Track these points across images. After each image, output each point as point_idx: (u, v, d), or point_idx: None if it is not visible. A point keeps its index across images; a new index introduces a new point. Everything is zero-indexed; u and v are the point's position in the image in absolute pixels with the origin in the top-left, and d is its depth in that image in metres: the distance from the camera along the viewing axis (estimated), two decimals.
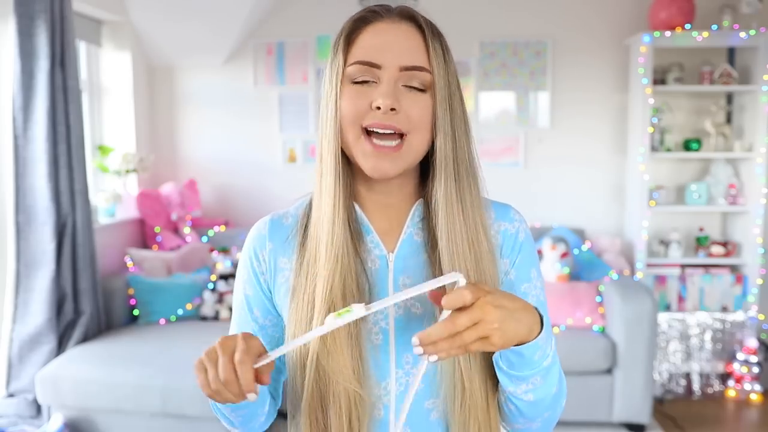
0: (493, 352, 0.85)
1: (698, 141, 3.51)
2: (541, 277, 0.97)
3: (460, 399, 0.89)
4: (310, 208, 0.94)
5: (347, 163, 0.90)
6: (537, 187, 3.77)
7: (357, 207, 0.93)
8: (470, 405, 0.88)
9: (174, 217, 3.57)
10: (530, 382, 0.84)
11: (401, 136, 0.86)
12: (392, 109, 0.84)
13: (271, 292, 0.95)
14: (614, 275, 3.18)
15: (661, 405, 3.29)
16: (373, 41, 0.86)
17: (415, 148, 0.87)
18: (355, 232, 0.91)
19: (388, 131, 0.85)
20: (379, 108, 0.84)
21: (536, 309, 0.81)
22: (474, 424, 0.89)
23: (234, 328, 0.98)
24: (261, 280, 0.96)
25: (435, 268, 0.90)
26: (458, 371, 0.88)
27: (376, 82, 0.85)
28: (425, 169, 0.93)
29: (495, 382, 0.90)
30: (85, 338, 2.86)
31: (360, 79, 0.86)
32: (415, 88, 0.86)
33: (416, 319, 0.90)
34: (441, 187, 0.88)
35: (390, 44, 0.85)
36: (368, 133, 0.86)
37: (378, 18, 0.87)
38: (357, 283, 0.89)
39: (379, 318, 0.90)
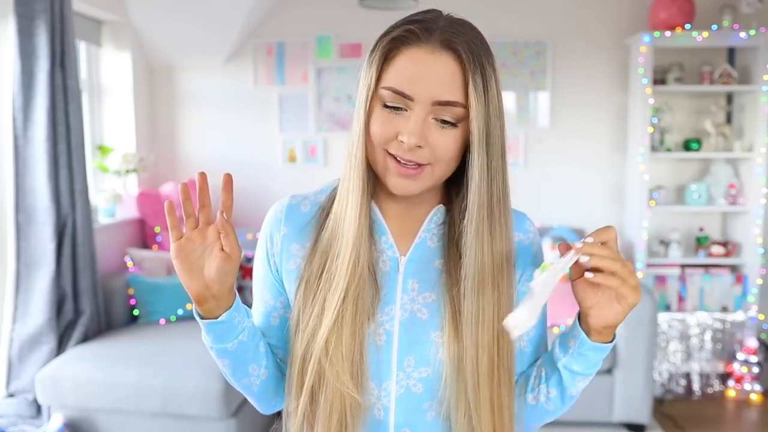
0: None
1: (698, 141, 3.51)
2: None
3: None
4: (332, 198, 0.94)
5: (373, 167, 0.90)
6: (537, 187, 3.77)
7: (375, 207, 0.93)
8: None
9: None
10: (586, 379, 0.93)
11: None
12: (418, 146, 0.83)
13: (280, 275, 0.97)
14: None
15: (661, 405, 3.29)
16: (409, 69, 0.82)
17: (438, 175, 0.87)
18: (370, 232, 0.91)
19: (410, 164, 0.85)
20: (403, 142, 0.83)
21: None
22: None
23: (256, 305, 1.01)
24: (271, 262, 0.97)
25: (448, 278, 0.90)
26: (464, 399, 0.88)
27: (406, 110, 0.83)
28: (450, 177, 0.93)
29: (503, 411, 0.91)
30: (85, 338, 2.86)
31: (391, 104, 0.84)
32: (446, 121, 0.84)
33: (421, 324, 0.91)
34: (473, 224, 0.87)
35: (426, 76, 0.82)
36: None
37: (417, 42, 0.83)
38: (367, 282, 0.89)
39: (385, 320, 0.90)
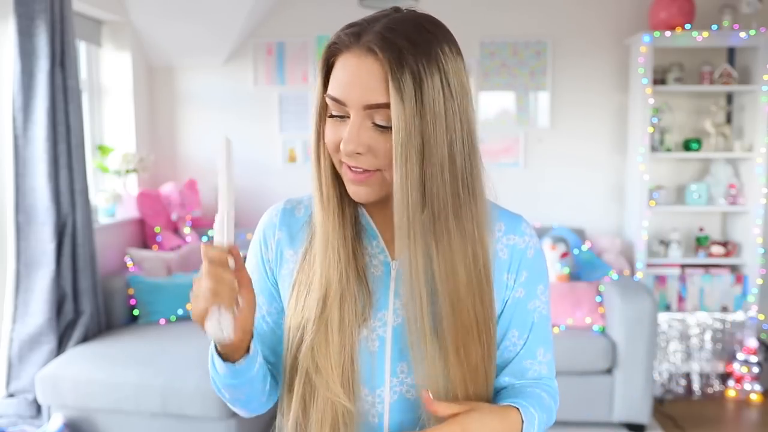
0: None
1: (698, 141, 3.52)
2: (547, 292, 0.96)
3: None
4: None
5: None
6: (537, 187, 3.77)
7: (365, 212, 0.92)
8: None
9: (174, 217, 3.57)
10: None
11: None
12: (357, 153, 0.82)
13: (275, 280, 0.96)
14: (614, 275, 3.18)
15: (661, 405, 3.29)
16: (341, 76, 0.82)
17: (389, 182, 0.83)
18: (358, 236, 0.90)
19: (359, 170, 0.83)
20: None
21: (516, 406, 0.86)
22: None
23: None
24: (267, 268, 0.96)
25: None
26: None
27: (348, 117, 0.83)
28: None
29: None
30: (85, 338, 2.86)
31: (335, 113, 0.84)
32: (382, 125, 0.81)
33: None
34: (397, 231, 0.83)
35: (354, 81, 0.80)
36: None
37: (348, 47, 0.81)
38: (356, 288, 0.88)
39: (378, 325, 0.89)
